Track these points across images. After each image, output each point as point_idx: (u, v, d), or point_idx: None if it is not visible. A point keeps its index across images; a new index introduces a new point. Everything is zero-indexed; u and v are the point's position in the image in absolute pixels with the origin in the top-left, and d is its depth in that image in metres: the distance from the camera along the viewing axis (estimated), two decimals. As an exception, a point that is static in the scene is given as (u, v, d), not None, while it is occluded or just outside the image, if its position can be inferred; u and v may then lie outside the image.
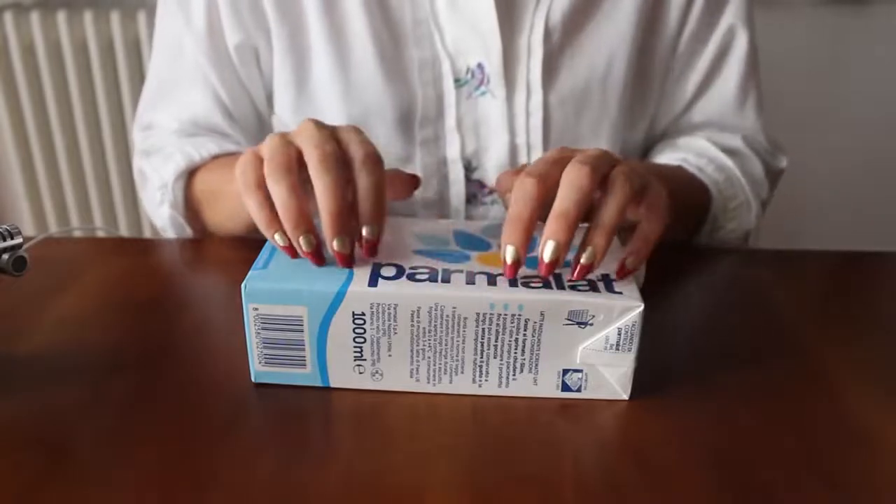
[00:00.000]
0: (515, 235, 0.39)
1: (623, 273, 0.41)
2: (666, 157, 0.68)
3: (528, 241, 0.39)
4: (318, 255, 0.40)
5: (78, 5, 1.32)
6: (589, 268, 0.39)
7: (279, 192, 0.40)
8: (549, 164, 0.41)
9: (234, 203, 0.58)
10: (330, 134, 0.42)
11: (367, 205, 0.41)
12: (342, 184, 0.40)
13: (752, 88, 0.70)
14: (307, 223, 0.40)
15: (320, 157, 0.40)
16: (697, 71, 0.69)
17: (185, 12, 0.64)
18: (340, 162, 0.41)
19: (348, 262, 0.40)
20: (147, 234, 1.50)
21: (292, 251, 0.41)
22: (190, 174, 0.64)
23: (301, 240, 0.40)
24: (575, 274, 0.39)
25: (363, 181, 0.41)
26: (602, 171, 0.41)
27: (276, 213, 0.41)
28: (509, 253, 0.39)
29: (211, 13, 0.63)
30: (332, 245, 0.40)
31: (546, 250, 0.38)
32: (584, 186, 0.39)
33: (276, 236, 0.41)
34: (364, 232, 0.41)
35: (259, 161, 0.42)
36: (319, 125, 0.43)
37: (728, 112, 0.70)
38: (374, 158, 0.42)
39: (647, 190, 0.43)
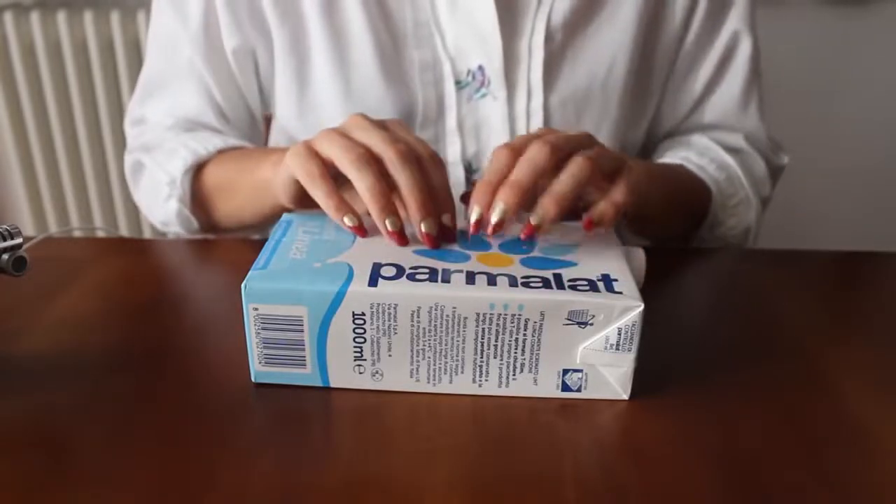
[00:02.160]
0: (483, 199, 0.43)
1: (529, 233, 0.43)
2: (669, 155, 0.68)
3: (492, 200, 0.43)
4: (403, 235, 0.44)
5: (78, 5, 1.32)
6: (535, 229, 0.43)
7: (367, 179, 0.43)
8: (525, 140, 0.45)
9: (254, 193, 0.59)
10: (390, 131, 0.47)
11: (443, 195, 0.45)
12: (422, 175, 0.44)
13: (754, 91, 0.71)
14: (393, 205, 0.43)
15: (399, 153, 0.44)
16: (702, 75, 0.69)
17: (181, 12, 0.64)
18: (414, 156, 0.45)
19: (436, 243, 0.44)
20: (147, 234, 1.50)
21: (363, 231, 0.44)
22: (197, 168, 0.64)
23: (387, 221, 0.43)
24: (522, 234, 0.43)
25: (436, 176, 0.45)
26: (565, 150, 0.44)
27: (342, 200, 0.44)
28: (474, 213, 0.44)
29: (208, 15, 0.63)
30: (421, 227, 0.43)
31: (494, 212, 0.43)
32: (540, 161, 0.43)
33: (346, 219, 0.44)
34: (444, 219, 0.45)
35: (315, 153, 0.46)
36: (370, 120, 0.47)
37: (731, 114, 0.71)
38: (437, 156, 0.46)
39: (619, 175, 0.46)
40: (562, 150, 0.44)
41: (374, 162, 0.44)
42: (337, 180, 0.48)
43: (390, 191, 0.44)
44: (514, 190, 0.43)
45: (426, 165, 0.45)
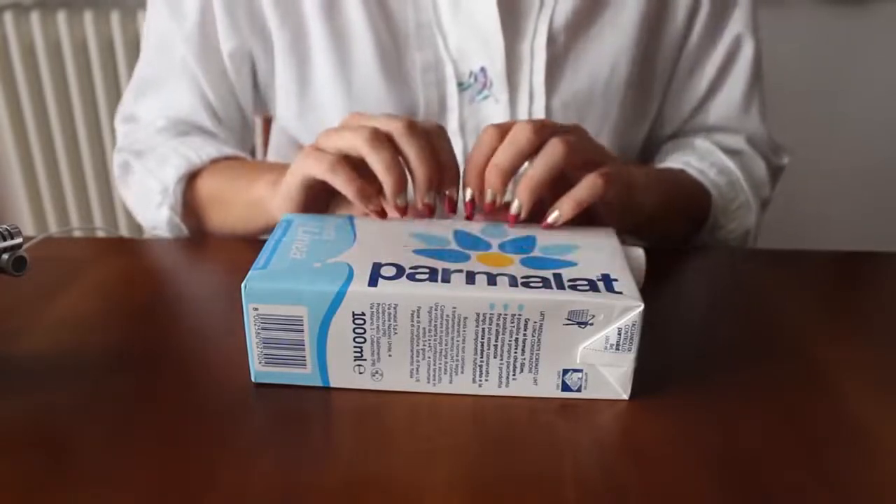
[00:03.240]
0: (473, 181, 0.46)
1: (546, 226, 0.46)
2: (671, 159, 0.68)
3: (483, 182, 0.46)
4: (406, 211, 0.46)
5: (78, 5, 1.32)
6: (516, 217, 0.45)
7: (384, 156, 0.45)
8: (513, 123, 0.47)
9: (247, 210, 0.59)
10: (388, 115, 0.48)
11: (450, 166, 0.47)
12: (429, 146, 0.46)
13: (756, 94, 0.71)
14: (405, 183, 0.46)
15: (406, 125, 0.46)
16: (704, 77, 0.69)
17: (177, 11, 0.64)
18: (421, 129, 0.46)
19: (432, 212, 0.47)
20: (147, 234, 1.50)
21: (384, 215, 0.47)
22: (190, 177, 0.64)
23: (399, 199, 0.45)
24: (508, 224, 0.46)
25: (443, 148, 0.47)
26: (548, 132, 0.46)
27: (365, 184, 0.46)
28: (467, 194, 0.47)
29: (205, 15, 0.63)
30: (423, 198, 0.46)
31: (486, 196, 0.46)
32: (521, 142, 0.45)
33: (370, 204, 0.46)
34: (449, 193, 0.48)
35: (321, 150, 0.47)
36: (366, 114, 0.49)
37: (733, 116, 0.71)
38: (442, 128, 0.48)
39: (604, 164, 0.47)
40: (546, 131, 0.46)
41: (385, 139, 0.45)
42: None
43: (403, 167, 0.46)
44: (495, 173, 0.45)
45: (433, 138, 0.47)
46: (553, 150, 0.45)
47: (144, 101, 0.69)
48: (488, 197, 0.46)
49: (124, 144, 0.69)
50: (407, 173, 0.46)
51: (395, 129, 0.46)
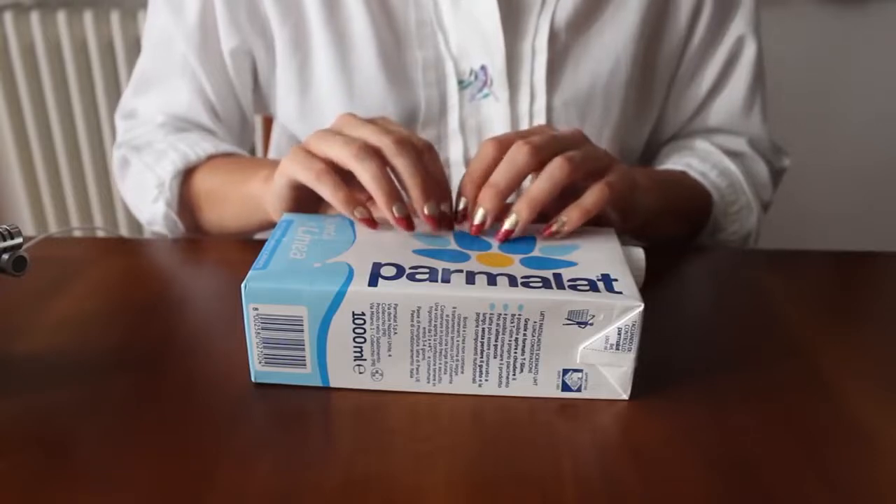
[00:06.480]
0: (469, 193, 0.45)
1: (549, 233, 0.45)
2: (672, 161, 0.68)
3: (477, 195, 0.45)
4: (410, 221, 0.45)
5: (78, 5, 1.32)
6: (510, 233, 0.44)
7: (371, 169, 0.44)
8: (514, 136, 0.46)
9: (242, 207, 0.59)
10: (380, 125, 0.47)
11: (439, 181, 0.46)
12: (419, 160, 0.45)
13: (758, 96, 0.71)
14: (398, 192, 0.44)
15: (396, 140, 0.45)
16: (706, 78, 0.69)
17: (178, 9, 0.64)
18: (410, 143, 0.45)
19: (437, 224, 0.45)
20: (147, 233, 1.50)
21: (373, 223, 0.45)
22: (186, 172, 0.64)
23: (394, 208, 0.44)
24: (497, 237, 0.44)
25: (431, 163, 0.46)
26: (548, 150, 0.45)
27: (352, 193, 0.45)
28: (461, 203, 0.46)
29: (206, 13, 0.63)
30: (424, 210, 0.44)
31: (476, 215, 0.44)
32: (519, 163, 0.44)
33: (356, 212, 0.45)
34: (442, 207, 0.46)
35: (311, 154, 0.46)
36: (359, 117, 0.48)
37: (735, 118, 0.71)
38: (430, 144, 0.47)
39: (608, 172, 0.47)
40: (545, 151, 0.45)
41: (374, 152, 0.45)
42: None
43: (392, 179, 0.45)
44: (490, 193, 0.44)
45: (423, 156, 0.46)
46: (556, 170, 0.44)
47: (144, 98, 0.69)
48: (478, 218, 0.44)
49: (123, 140, 0.69)
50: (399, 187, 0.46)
51: (385, 144, 0.45)
